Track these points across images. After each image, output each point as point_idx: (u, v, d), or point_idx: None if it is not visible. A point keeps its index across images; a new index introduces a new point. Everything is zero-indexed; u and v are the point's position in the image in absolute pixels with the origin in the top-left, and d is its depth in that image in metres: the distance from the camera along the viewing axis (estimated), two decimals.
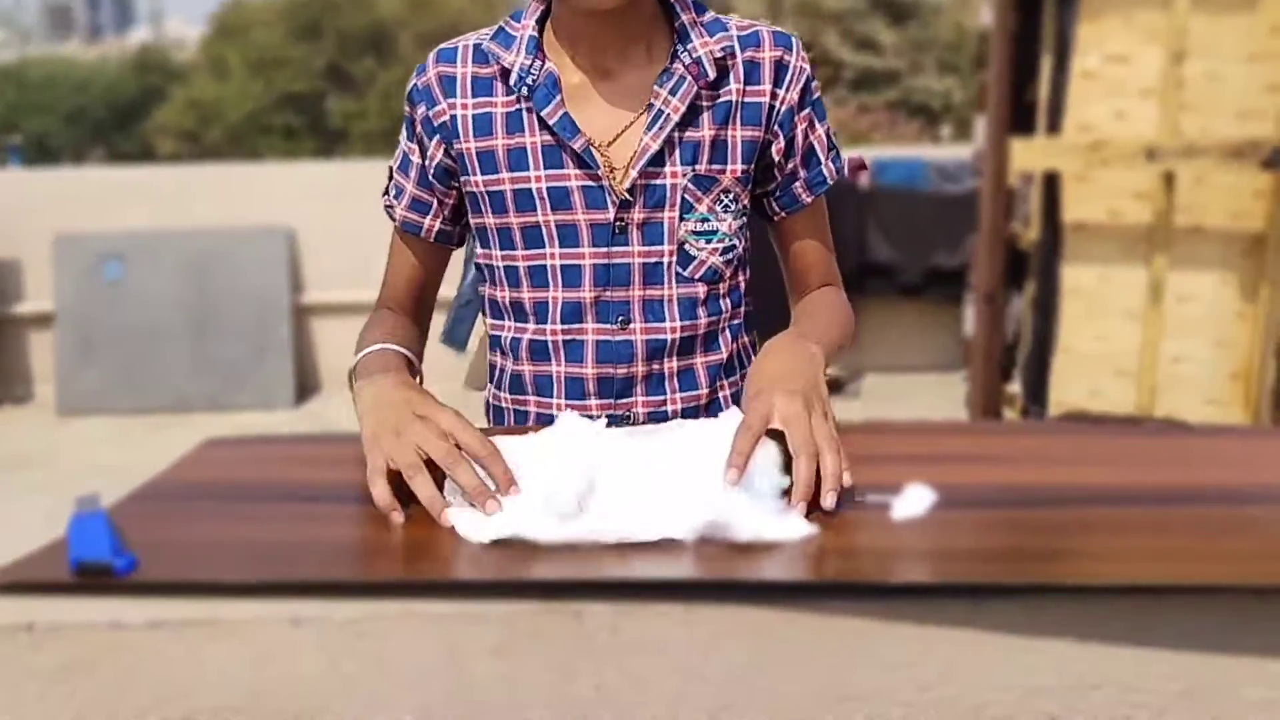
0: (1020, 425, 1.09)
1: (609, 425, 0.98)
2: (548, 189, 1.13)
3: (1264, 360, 3.26)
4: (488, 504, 0.86)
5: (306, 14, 24.20)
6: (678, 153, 1.13)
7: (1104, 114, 3.30)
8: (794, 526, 0.85)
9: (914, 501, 0.93)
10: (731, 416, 0.95)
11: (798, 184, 1.21)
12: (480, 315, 1.31)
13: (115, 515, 0.86)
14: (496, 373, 1.26)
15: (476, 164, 1.14)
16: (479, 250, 1.21)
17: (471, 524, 0.85)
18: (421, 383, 1.10)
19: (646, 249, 1.15)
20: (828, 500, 0.87)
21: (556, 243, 1.14)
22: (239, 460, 1.07)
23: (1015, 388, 3.59)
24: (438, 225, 1.22)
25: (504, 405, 1.25)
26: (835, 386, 4.82)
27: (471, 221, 1.21)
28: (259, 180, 5.34)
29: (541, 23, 1.14)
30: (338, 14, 24.00)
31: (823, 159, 1.21)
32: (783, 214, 1.23)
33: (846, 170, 1.26)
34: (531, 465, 0.90)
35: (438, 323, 1.32)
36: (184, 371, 4.97)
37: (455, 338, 1.43)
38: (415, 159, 1.19)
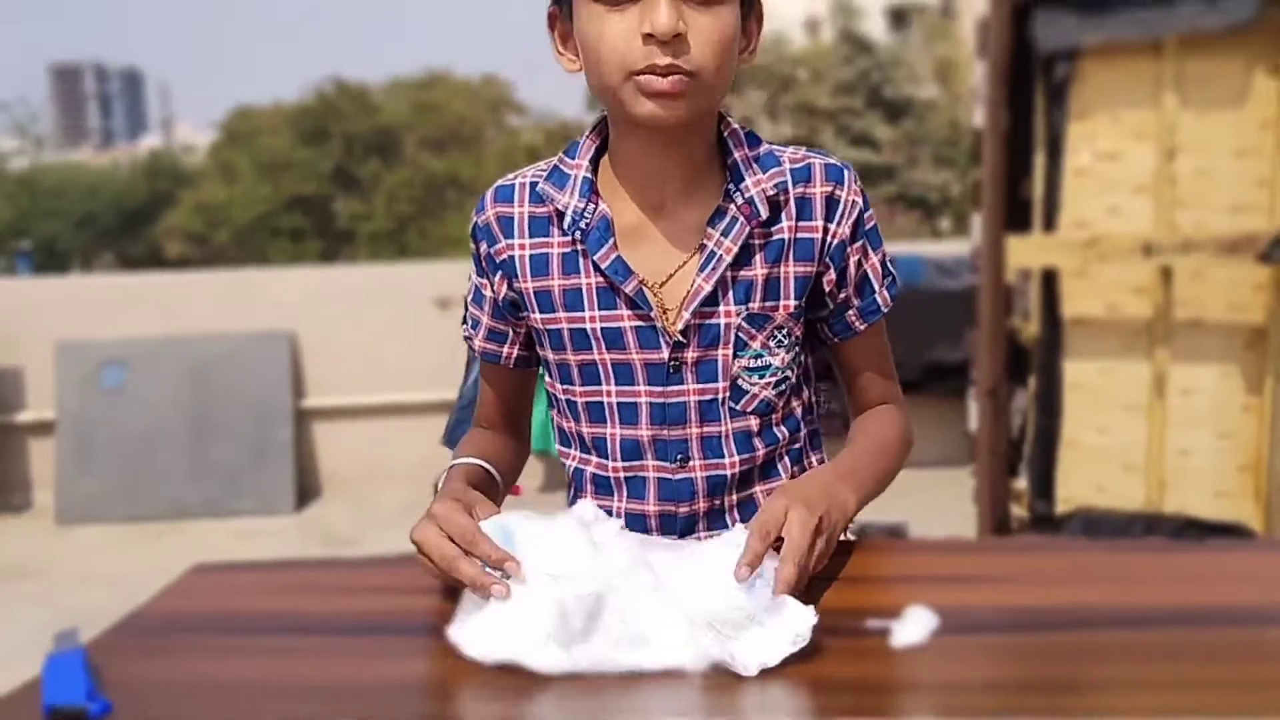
0: (1024, 541, 1.07)
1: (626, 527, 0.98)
2: (602, 329, 1.14)
3: (1272, 452, 3.23)
4: (493, 590, 0.89)
5: (313, 118, 24.73)
6: (731, 293, 1.13)
7: (1098, 210, 3.32)
8: (796, 621, 0.85)
9: (915, 627, 0.91)
10: (742, 533, 0.95)
11: (851, 312, 1.20)
12: None
13: (95, 650, 0.84)
14: (570, 495, 1.28)
15: (535, 303, 1.17)
16: (548, 379, 1.24)
17: (477, 642, 0.83)
18: (513, 488, 1.19)
19: (701, 387, 1.15)
20: (739, 574, 0.88)
21: (613, 380, 1.16)
22: (226, 588, 1.05)
23: (1022, 483, 3.55)
24: (515, 352, 1.25)
25: None
26: None
27: (541, 353, 1.23)
28: (261, 285, 5.38)
29: (595, 159, 1.15)
30: (343, 118, 24.51)
31: (877, 287, 1.20)
32: (835, 340, 1.23)
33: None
34: (538, 559, 0.89)
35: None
36: (183, 477, 4.94)
37: (454, 440, 1.44)
38: (487, 292, 1.22)
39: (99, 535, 4.71)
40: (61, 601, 3.84)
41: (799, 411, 1.22)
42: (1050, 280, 3.40)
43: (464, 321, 1.28)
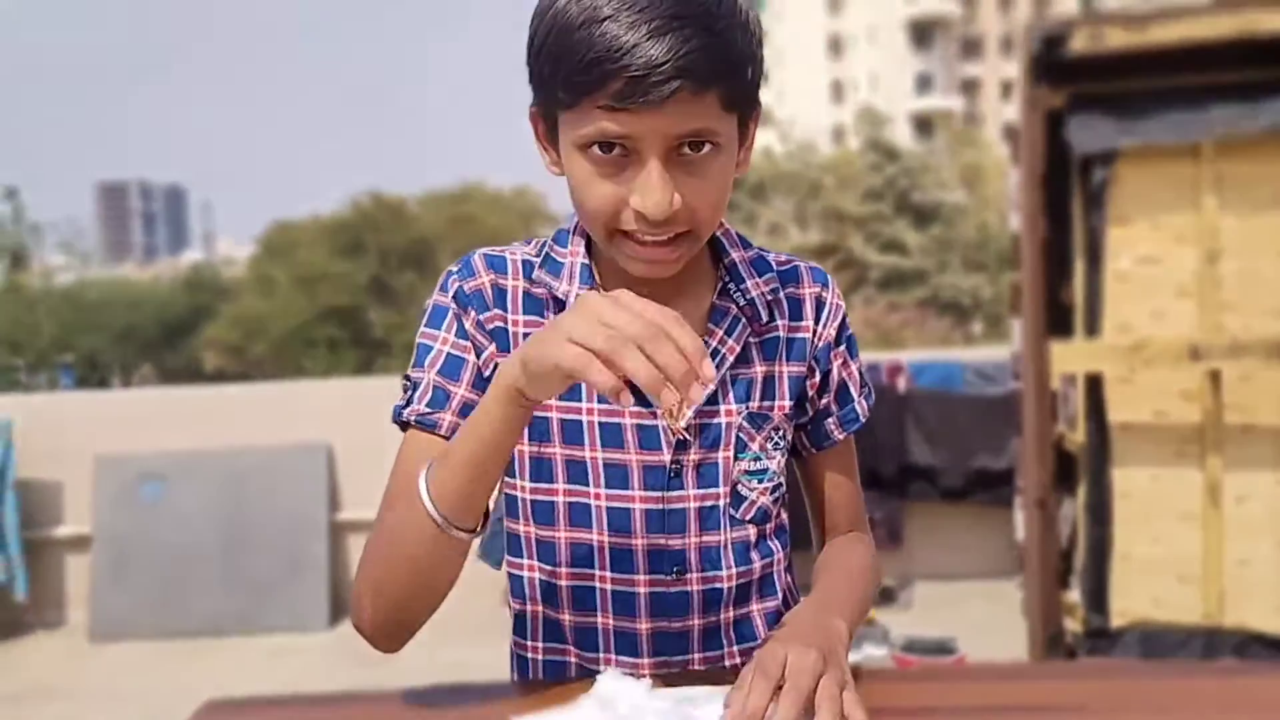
0: (1087, 666, 1.01)
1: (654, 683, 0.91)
2: (600, 424, 1.07)
3: None
4: (692, 390, 0.81)
5: (350, 232, 25.24)
6: (731, 392, 1.10)
7: (1142, 314, 3.27)
8: None
9: None
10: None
11: (830, 420, 1.17)
12: None
13: None
14: (527, 622, 1.15)
15: None
16: (505, 479, 1.13)
17: None
18: (486, 527, 0.98)
19: (703, 492, 1.09)
20: None
21: (603, 482, 1.08)
22: None
23: (1074, 595, 3.43)
24: None
25: (533, 656, 1.14)
26: (887, 596, 4.66)
27: None
28: (297, 396, 5.41)
29: (589, 245, 1.10)
30: (379, 231, 25.01)
31: (856, 396, 1.18)
32: (813, 450, 1.19)
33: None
34: None
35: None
36: (217, 591, 4.89)
37: (490, 552, 1.32)
38: (470, 358, 1.06)
39: (131, 653, 4.65)
40: None
41: (786, 525, 1.17)
42: (1095, 386, 3.34)
43: (406, 403, 1.06)
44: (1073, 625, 3.35)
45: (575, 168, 0.98)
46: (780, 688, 0.86)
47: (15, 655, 4.74)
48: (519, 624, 1.16)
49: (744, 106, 0.99)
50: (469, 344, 1.07)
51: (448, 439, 1.04)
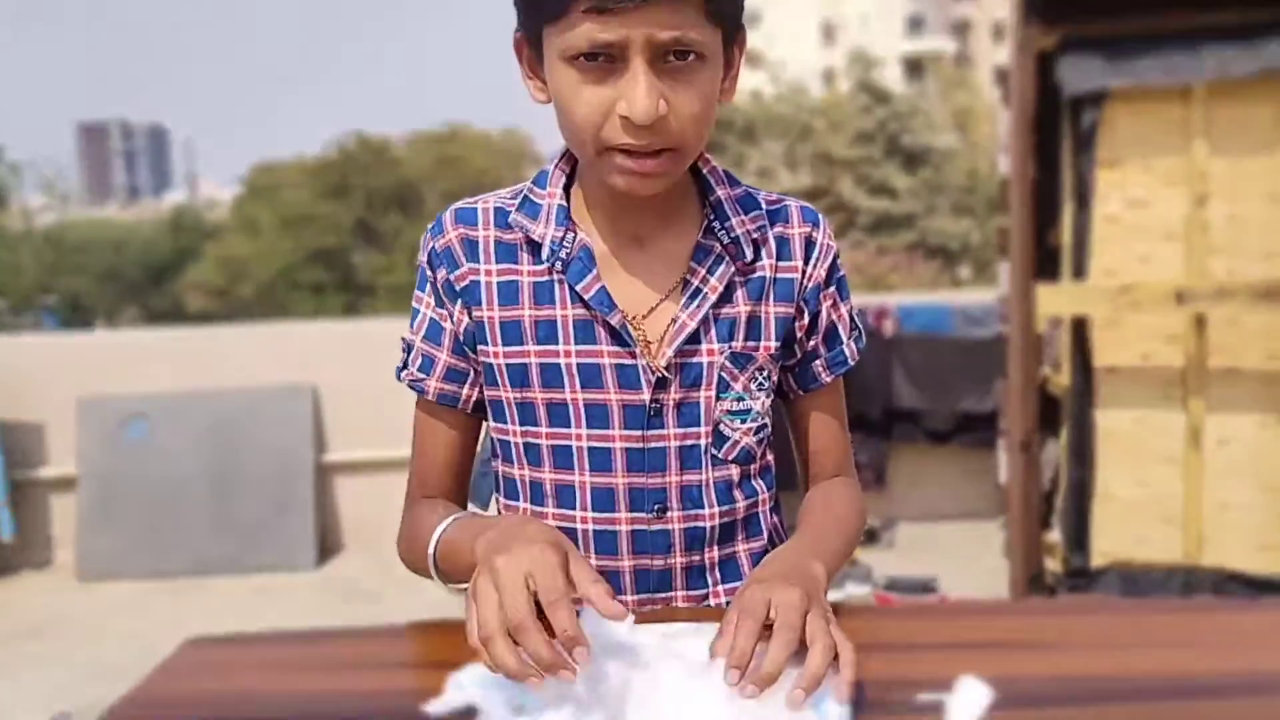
0: (1068, 603, 1.01)
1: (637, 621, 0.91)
2: (578, 365, 1.07)
3: None
4: (561, 673, 0.80)
5: (334, 173, 25.00)
6: (714, 330, 1.08)
7: (1129, 258, 3.27)
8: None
9: (970, 702, 0.85)
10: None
11: (818, 362, 1.16)
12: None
13: None
14: None
15: (499, 334, 1.09)
16: (492, 424, 1.15)
17: None
18: None
19: (683, 431, 1.09)
20: (791, 696, 0.82)
21: (584, 423, 1.08)
22: (222, 666, 0.99)
23: (1055, 536, 3.47)
24: (475, 395, 1.14)
25: None
26: (870, 537, 4.71)
27: (486, 393, 1.14)
28: (282, 339, 5.38)
29: (568, 188, 1.10)
30: (365, 173, 24.78)
31: (844, 338, 1.17)
32: (800, 392, 1.18)
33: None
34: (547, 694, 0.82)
35: None
36: (204, 532, 4.90)
37: (477, 495, 1.34)
38: (446, 324, 1.12)
39: (119, 592, 4.67)
40: (81, 660, 3.80)
41: (773, 466, 1.17)
42: (1081, 329, 3.35)
43: (404, 365, 1.15)
44: (1053, 565, 3.39)
45: (562, 81, 0.98)
46: (768, 628, 0.86)
47: (3, 595, 4.75)
48: None
49: (727, 21, 0.99)
50: (444, 310, 1.12)
51: (436, 403, 1.14)
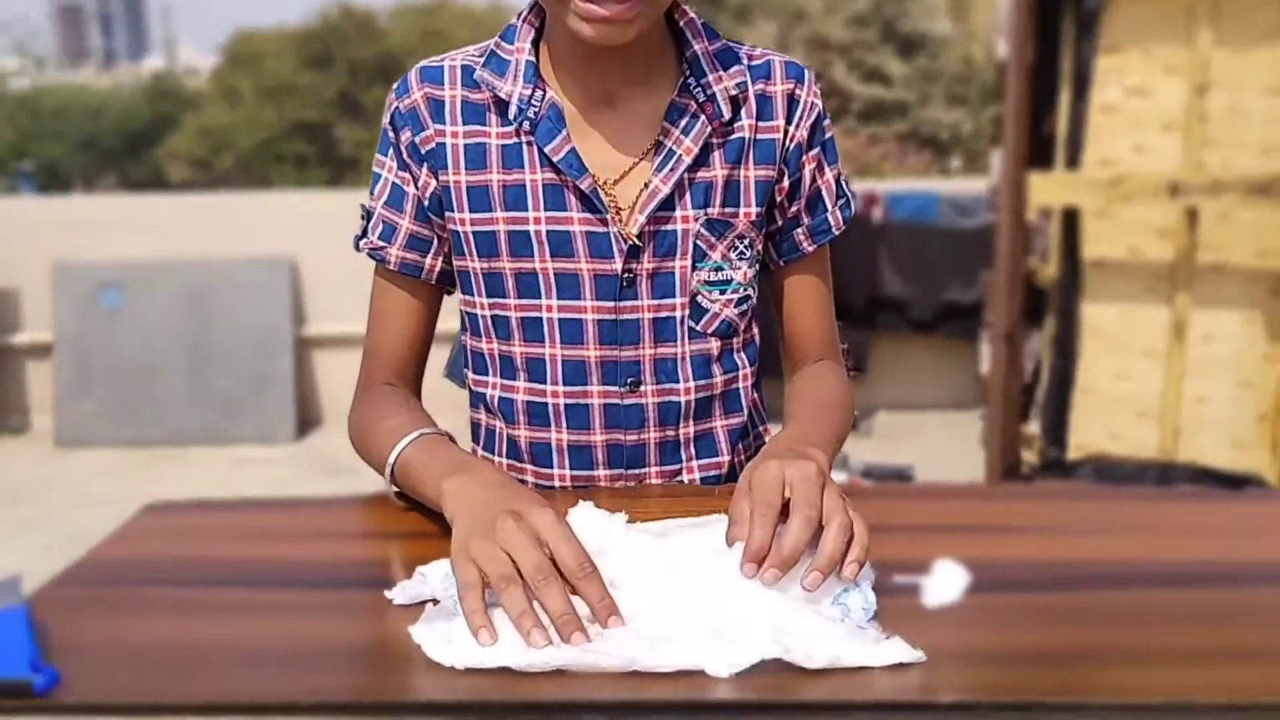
0: (1044, 488, 1.00)
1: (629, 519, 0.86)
2: (548, 233, 1.02)
3: None
4: (573, 637, 0.72)
5: (317, 43, 24.35)
6: (689, 195, 1.03)
7: (1124, 148, 3.21)
8: (891, 652, 0.72)
9: (945, 584, 0.84)
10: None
11: (800, 230, 1.10)
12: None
13: (40, 605, 0.77)
14: (482, 433, 1.14)
15: (466, 200, 1.03)
16: (460, 297, 1.10)
17: (451, 649, 0.72)
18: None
19: (657, 303, 1.04)
20: (808, 580, 0.77)
21: (555, 293, 1.03)
22: (182, 531, 0.97)
23: (1034, 428, 3.48)
24: (439, 265, 1.09)
25: None
26: None
27: (455, 264, 1.09)
28: (260, 210, 5.28)
29: (536, 44, 1.04)
30: (348, 43, 24.14)
31: (829, 206, 1.11)
32: (780, 263, 1.12)
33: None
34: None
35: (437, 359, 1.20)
36: (182, 403, 4.89)
37: (458, 373, 1.30)
38: (409, 189, 1.06)
39: (97, 459, 4.67)
40: (59, 525, 3.81)
41: (757, 341, 1.12)
42: (1071, 220, 3.31)
43: (364, 234, 1.09)
44: (1029, 457, 3.41)
45: None
46: (782, 513, 0.81)
47: None
48: (482, 438, 1.15)
49: None
50: (407, 174, 1.06)
51: (398, 273, 1.09)
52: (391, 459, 0.96)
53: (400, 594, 0.81)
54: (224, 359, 4.93)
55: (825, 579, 0.77)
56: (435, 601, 0.79)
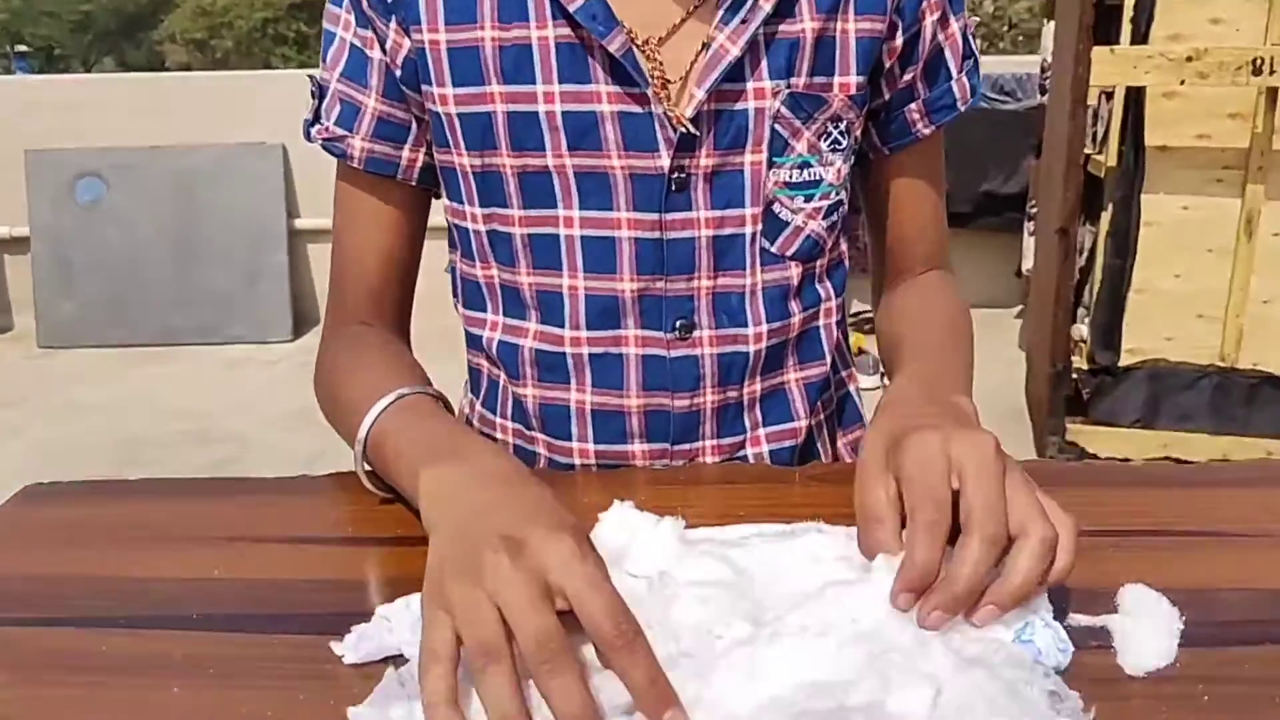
0: (1066, 470, 0.74)
1: (687, 524, 0.59)
2: (564, 114, 0.73)
3: None
4: None
5: None
6: (765, 60, 0.73)
7: (1198, 21, 2.88)
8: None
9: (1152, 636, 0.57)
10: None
11: (914, 107, 0.81)
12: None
13: None
14: (483, 385, 0.86)
15: (447, 67, 0.74)
16: (448, 204, 0.82)
17: None
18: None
19: (720, 215, 0.76)
20: (981, 615, 0.52)
21: (576, 200, 0.75)
22: (52, 530, 0.70)
23: (1081, 330, 3.21)
24: (420, 158, 0.81)
25: (501, 438, 0.85)
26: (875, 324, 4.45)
27: (436, 157, 0.81)
28: (250, 91, 4.92)
29: None
30: None
31: (954, 71, 0.81)
32: (885, 151, 0.83)
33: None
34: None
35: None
36: (172, 300, 4.62)
37: None
38: (373, 53, 0.78)
39: (83, 360, 4.43)
40: (43, 433, 3.60)
41: (845, 261, 0.84)
42: (1135, 102, 2.98)
43: (315, 118, 0.83)
44: (1078, 362, 3.15)
45: None
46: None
47: None
48: (481, 392, 0.87)
49: None
50: (369, 32, 0.77)
51: (364, 173, 0.81)
52: (363, 432, 0.69)
53: (352, 647, 0.56)
54: (214, 253, 4.65)
55: (1003, 614, 0.52)
56: (397, 661, 0.55)
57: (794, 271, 0.79)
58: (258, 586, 0.63)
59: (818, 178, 0.77)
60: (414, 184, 0.82)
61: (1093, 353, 3.13)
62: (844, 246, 0.83)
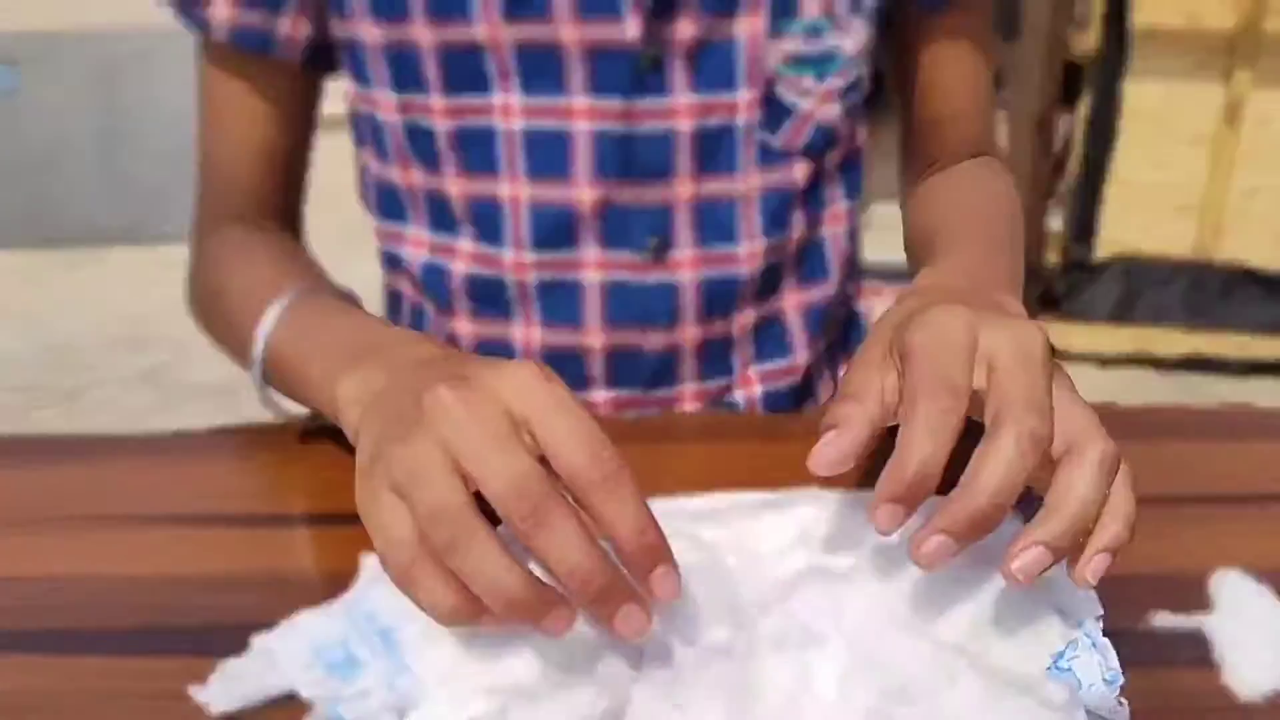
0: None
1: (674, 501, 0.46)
2: None
3: None
4: (618, 618, 0.35)
5: None
6: None
7: None
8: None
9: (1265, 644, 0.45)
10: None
11: None
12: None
13: None
14: (404, 314, 0.71)
15: None
16: (353, 90, 0.65)
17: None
18: None
19: (705, 100, 0.60)
20: (1020, 563, 0.36)
21: (515, 84, 0.58)
22: None
23: (1055, 223, 3.10)
24: (303, 31, 0.64)
25: None
26: None
27: (335, 30, 0.64)
28: None
29: None
30: None
31: None
32: (919, 12, 0.68)
33: None
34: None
35: None
36: (97, 197, 4.38)
37: None
38: None
39: (4, 263, 4.19)
40: None
41: (861, 154, 0.70)
42: None
43: None
44: (1052, 259, 3.04)
45: None
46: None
47: None
48: (397, 319, 0.72)
49: None
50: None
51: (232, 48, 0.65)
52: (258, 348, 0.54)
53: (221, 691, 0.42)
54: (142, 146, 4.40)
55: (1047, 569, 0.37)
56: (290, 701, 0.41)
57: (800, 171, 0.64)
58: (116, 588, 0.48)
59: (831, 50, 0.61)
60: (298, 63, 0.66)
61: (1068, 246, 3.02)
62: (860, 138, 0.68)
